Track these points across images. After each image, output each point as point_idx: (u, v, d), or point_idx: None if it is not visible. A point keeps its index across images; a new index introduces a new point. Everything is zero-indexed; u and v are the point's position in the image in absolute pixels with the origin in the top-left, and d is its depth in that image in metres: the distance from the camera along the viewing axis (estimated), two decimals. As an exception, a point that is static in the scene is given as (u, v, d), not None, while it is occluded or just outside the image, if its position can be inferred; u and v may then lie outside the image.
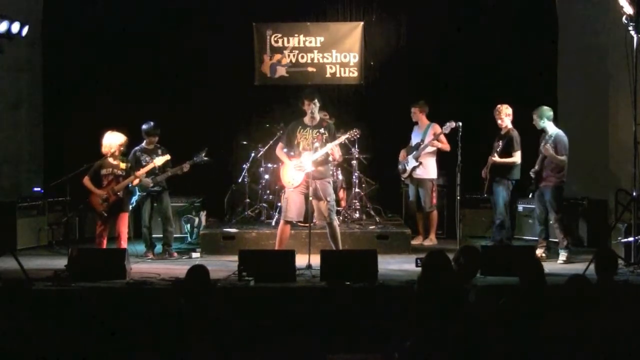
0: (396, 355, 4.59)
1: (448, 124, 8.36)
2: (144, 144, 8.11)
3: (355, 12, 10.37)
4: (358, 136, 8.09)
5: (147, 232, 8.12)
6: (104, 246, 7.67)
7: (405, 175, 8.96)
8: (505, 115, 8.03)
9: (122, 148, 7.71)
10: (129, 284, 6.47)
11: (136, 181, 7.74)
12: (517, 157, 7.96)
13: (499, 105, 8.09)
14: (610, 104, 9.00)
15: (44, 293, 6.06)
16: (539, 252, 7.73)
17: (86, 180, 7.62)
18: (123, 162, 7.76)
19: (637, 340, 4.31)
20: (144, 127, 8.07)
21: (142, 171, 7.79)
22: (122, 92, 9.84)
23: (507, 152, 7.96)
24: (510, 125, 8.05)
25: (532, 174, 7.75)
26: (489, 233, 8.46)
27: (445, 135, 8.56)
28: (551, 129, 7.69)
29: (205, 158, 8.10)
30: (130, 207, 8.00)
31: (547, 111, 7.73)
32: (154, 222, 8.24)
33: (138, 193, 7.96)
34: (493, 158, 7.95)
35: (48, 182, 8.76)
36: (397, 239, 8.34)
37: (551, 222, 7.78)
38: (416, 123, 9.01)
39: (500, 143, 7.99)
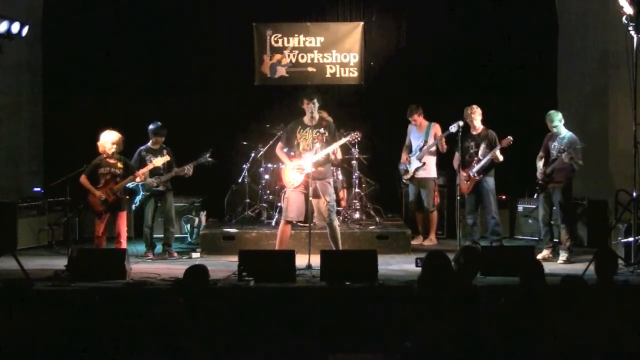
0: (396, 356, 4.59)
1: (453, 126, 8.22)
2: (149, 143, 8.10)
3: (355, 12, 10.35)
4: (359, 139, 8.08)
5: (148, 232, 8.11)
6: (104, 246, 7.66)
7: (408, 176, 8.95)
8: (479, 115, 8.05)
9: (115, 146, 7.66)
10: (129, 284, 6.48)
11: (137, 179, 7.73)
12: (501, 156, 7.98)
13: (473, 106, 8.07)
14: (610, 104, 9.00)
15: (44, 293, 6.06)
16: (546, 253, 7.73)
17: (83, 179, 7.58)
18: (120, 161, 7.74)
19: (637, 340, 4.31)
20: (151, 127, 8.06)
21: (142, 171, 7.78)
22: (122, 92, 9.83)
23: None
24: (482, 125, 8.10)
25: (539, 176, 7.69)
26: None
27: (453, 134, 8.34)
28: (563, 130, 7.69)
29: (210, 159, 8.09)
30: (134, 206, 8.00)
31: (560, 114, 7.74)
32: (155, 222, 8.23)
33: (142, 193, 7.96)
34: (478, 167, 7.94)
35: (48, 182, 8.75)
36: (397, 239, 8.33)
37: (559, 222, 7.76)
38: (409, 122, 9.01)
39: (483, 144, 7.98)
